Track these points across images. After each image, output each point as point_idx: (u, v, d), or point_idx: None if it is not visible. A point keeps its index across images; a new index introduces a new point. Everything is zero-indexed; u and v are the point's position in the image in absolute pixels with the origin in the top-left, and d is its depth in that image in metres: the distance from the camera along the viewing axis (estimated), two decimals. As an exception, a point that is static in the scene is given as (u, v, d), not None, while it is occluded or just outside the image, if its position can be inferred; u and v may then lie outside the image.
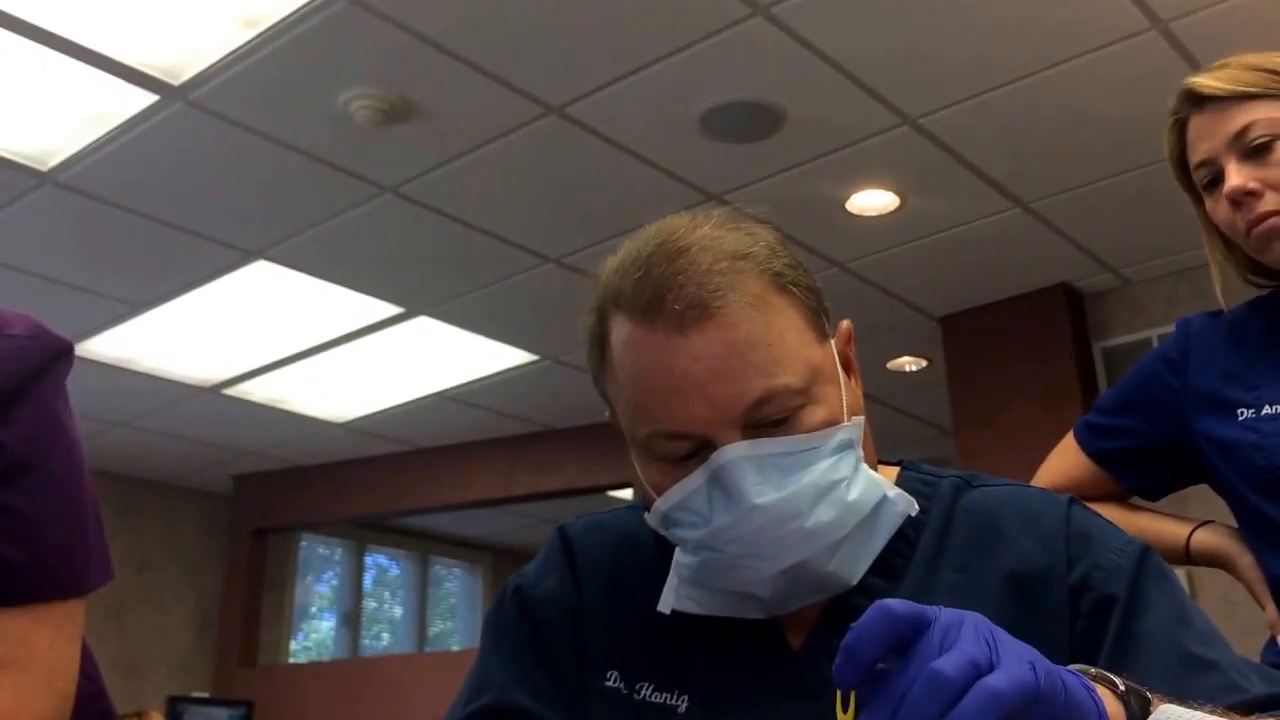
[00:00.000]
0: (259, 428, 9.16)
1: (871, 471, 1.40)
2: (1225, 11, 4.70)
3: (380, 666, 10.31)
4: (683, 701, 1.42)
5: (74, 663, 1.48)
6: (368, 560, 12.25)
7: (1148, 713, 1.04)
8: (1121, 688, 1.04)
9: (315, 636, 12.04)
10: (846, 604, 1.39)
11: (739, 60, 4.96)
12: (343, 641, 11.96)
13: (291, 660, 11.17)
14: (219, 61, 4.90)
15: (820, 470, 1.33)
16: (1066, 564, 1.37)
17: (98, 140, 5.40)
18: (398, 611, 12.80)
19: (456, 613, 13.32)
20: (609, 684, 1.46)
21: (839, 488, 1.34)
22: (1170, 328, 6.77)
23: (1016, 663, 0.91)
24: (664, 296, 1.32)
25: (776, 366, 1.32)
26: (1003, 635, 0.95)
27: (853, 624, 0.95)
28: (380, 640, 12.60)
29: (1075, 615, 1.35)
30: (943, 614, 0.95)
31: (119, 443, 9.14)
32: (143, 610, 10.02)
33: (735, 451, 1.31)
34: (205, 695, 9.77)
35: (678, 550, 1.42)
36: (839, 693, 0.97)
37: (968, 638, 0.92)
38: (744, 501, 1.30)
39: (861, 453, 1.40)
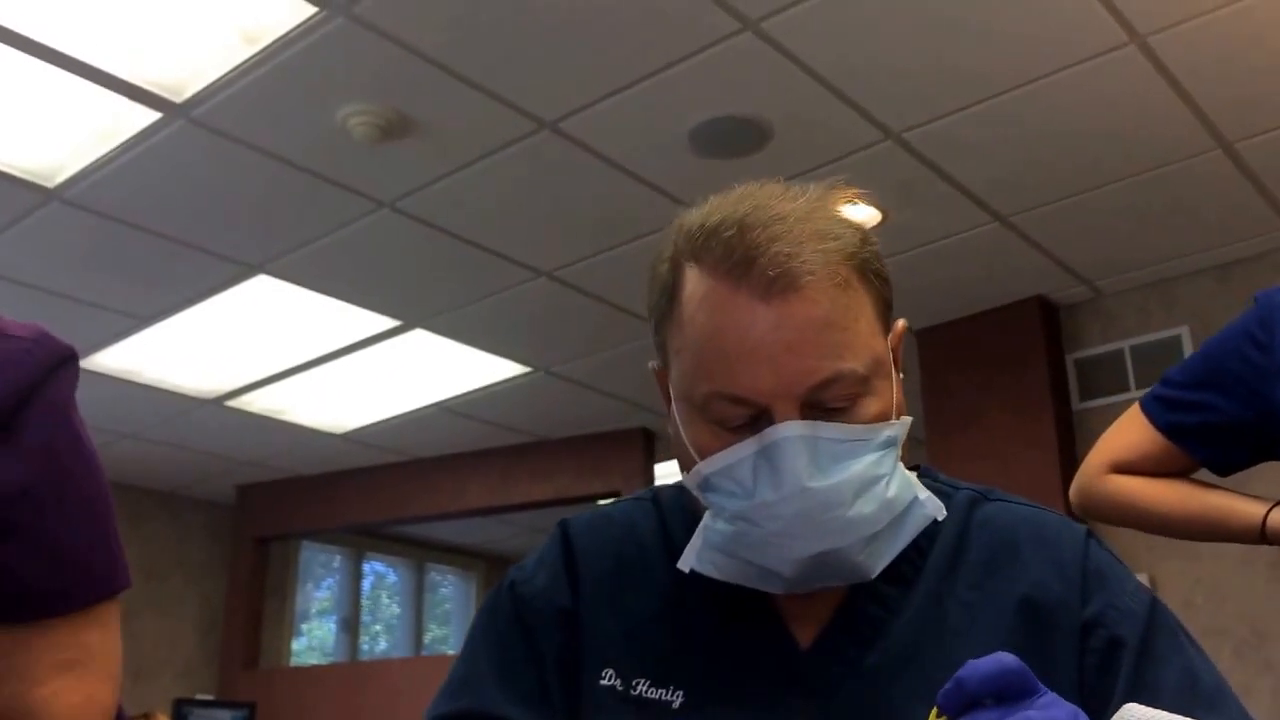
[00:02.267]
0: (261, 439, 9.08)
1: (906, 471, 1.36)
2: (1202, 26, 4.58)
3: (377, 670, 10.29)
4: (677, 697, 1.37)
5: (119, 650, 1.51)
6: (366, 567, 12.20)
7: None
8: None
9: (317, 636, 12.01)
10: (857, 609, 1.37)
11: (728, 76, 4.84)
12: (342, 645, 11.91)
13: (293, 663, 11.12)
14: (220, 79, 4.80)
15: (867, 463, 1.28)
16: (1081, 598, 1.35)
17: (103, 157, 5.30)
18: (395, 617, 12.75)
19: (451, 618, 13.24)
20: (604, 682, 1.40)
21: (880, 483, 1.29)
22: (1143, 338, 6.74)
23: None
24: (755, 259, 1.26)
25: (847, 351, 1.27)
26: None
27: (968, 661, 0.98)
28: (378, 644, 12.56)
29: (1085, 650, 1.33)
30: (1049, 694, 0.99)
31: (126, 454, 9.06)
32: (149, 615, 9.95)
33: (792, 429, 1.25)
34: (210, 697, 9.76)
35: (708, 514, 1.35)
36: (935, 709, 0.98)
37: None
38: (793, 481, 1.25)
39: (900, 452, 1.35)
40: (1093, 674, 1.31)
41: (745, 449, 1.28)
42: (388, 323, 7.13)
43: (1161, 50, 4.73)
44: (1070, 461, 6.57)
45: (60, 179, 5.47)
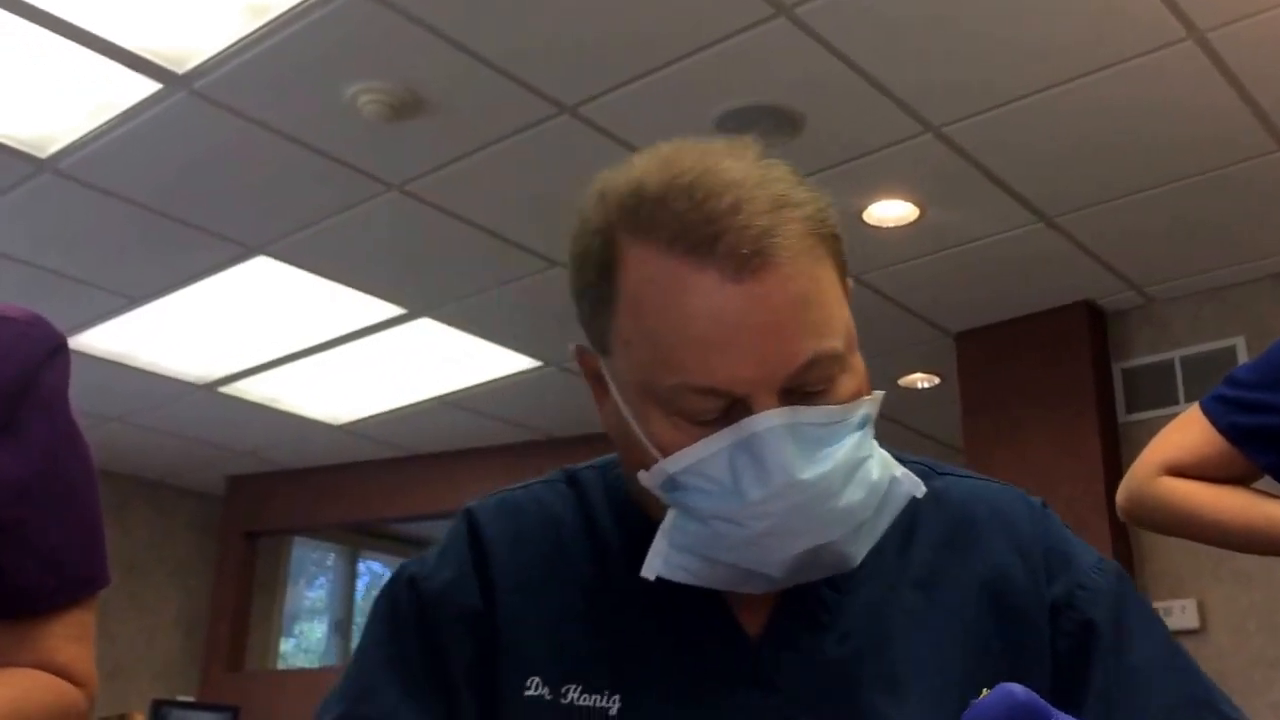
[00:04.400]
0: (254, 427, 9.15)
1: (881, 449, 1.30)
2: (1265, 21, 4.64)
3: (370, 675, 10.23)
4: (614, 702, 1.31)
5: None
6: (361, 566, 12.24)
7: None
8: None
9: (307, 637, 12.11)
10: (807, 591, 1.31)
11: (759, 62, 4.92)
12: (333, 649, 11.94)
13: (280, 666, 11.17)
14: (224, 50, 4.88)
15: (849, 446, 1.23)
16: (1046, 578, 1.35)
17: (98, 128, 5.37)
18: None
19: (450, 622, 13.16)
20: (530, 692, 1.33)
21: (864, 466, 1.24)
22: (1195, 348, 6.76)
23: None
24: (720, 235, 1.17)
25: (826, 327, 1.21)
26: None
27: (972, 704, 0.96)
28: (372, 648, 12.51)
29: (1056, 633, 1.32)
30: (1062, 716, 0.96)
31: (112, 438, 9.11)
32: (129, 611, 10.02)
33: (775, 418, 1.18)
34: (190, 699, 9.76)
35: (672, 514, 1.27)
36: None
37: None
38: (784, 475, 1.18)
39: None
40: (1067, 658, 1.31)
41: (719, 442, 1.21)
42: (392, 310, 7.20)
43: (1221, 46, 4.79)
44: (1115, 476, 6.58)
45: (53, 149, 5.54)
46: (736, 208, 1.18)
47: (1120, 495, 2.52)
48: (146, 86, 5.09)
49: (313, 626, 12.18)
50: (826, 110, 5.23)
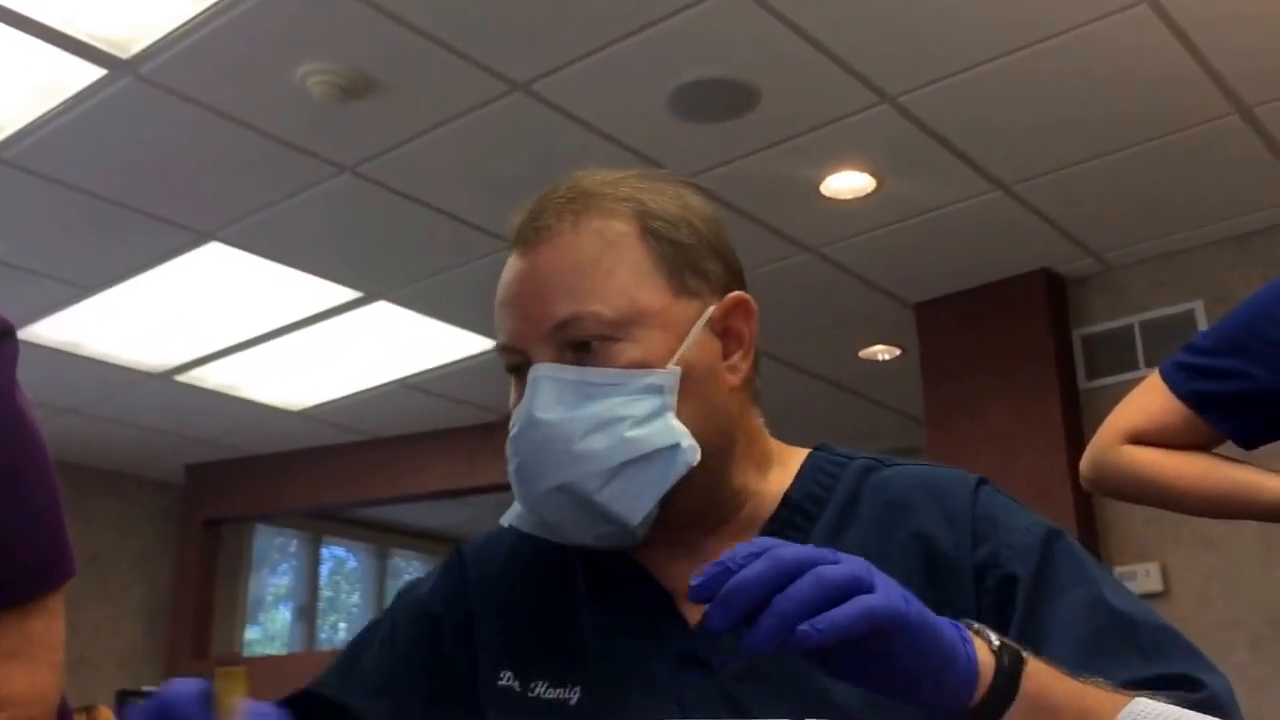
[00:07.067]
0: (212, 415, 9.08)
1: (674, 421, 1.42)
2: (1218, -16, 4.61)
3: (336, 660, 10.23)
4: (574, 694, 1.45)
5: (62, 637, 1.59)
6: (324, 552, 12.23)
7: (1018, 669, 1.11)
8: (996, 643, 1.12)
9: (272, 624, 12.08)
10: None
11: (712, 36, 4.86)
12: (298, 635, 11.95)
13: (246, 653, 11.12)
14: (170, 34, 4.80)
15: (611, 404, 1.40)
16: (971, 542, 1.41)
17: (43, 116, 5.30)
18: (355, 604, 12.77)
19: (415, 606, 13.18)
20: (502, 683, 1.51)
21: (622, 423, 1.39)
22: (1154, 313, 6.78)
23: (891, 590, 1.06)
24: (522, 224, 1.49)
25: (590, 295, 1.42)
26: (882, 574, 1.07)
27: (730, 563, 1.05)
28: (337, 633, 12.56)
29: (981, 592, 1.38)
30: (828, 553, 1.06)
31: (67, 430, 9.03)
32: (92, 601, 9.93)
33: (539, 370, 1.42)
34: (155, 689, 9.65)
35: None
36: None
37: (854, 562, 1.06)
38: (527, 415, 1.41)
39: (674, 401, 1.42)
40: (990, 616, 1.34)
41: (517, 393, 1.46)
42: (348, 294, 7.15)
43: (1175, 9, 4.75)
44: (1076, 443, 6.59)
45: (-2, 139, 5.47)
46: (545, 204, 1.49)
47: (1083, 464, 2.53)
48: (91, 72, 5.02)
49: (277, 613, 12.15)
50: (782, 83, 5.18)
